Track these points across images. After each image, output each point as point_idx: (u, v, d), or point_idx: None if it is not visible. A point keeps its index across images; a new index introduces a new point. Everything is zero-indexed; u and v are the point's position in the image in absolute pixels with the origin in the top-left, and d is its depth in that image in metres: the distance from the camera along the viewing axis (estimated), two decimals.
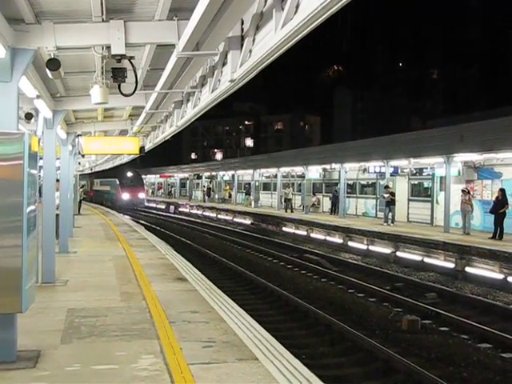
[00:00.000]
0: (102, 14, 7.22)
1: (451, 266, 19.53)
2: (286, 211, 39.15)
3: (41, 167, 11.84)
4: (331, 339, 11.68)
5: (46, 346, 7.25)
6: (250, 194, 50.23)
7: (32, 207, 6.61)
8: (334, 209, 36.25)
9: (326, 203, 38.29)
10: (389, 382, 9.48)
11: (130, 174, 64.31)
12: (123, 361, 6.78)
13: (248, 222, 40.30)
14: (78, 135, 18.94)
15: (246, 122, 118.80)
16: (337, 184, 35.62)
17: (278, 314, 14.01)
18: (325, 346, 11.34)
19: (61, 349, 7.28)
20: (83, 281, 12.29)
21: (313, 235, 30.27)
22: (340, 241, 27.40)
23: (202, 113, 13.26)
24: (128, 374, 6.30)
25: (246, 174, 52.82)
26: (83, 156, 23.96)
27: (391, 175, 30.03)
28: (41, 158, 11.49)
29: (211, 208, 50.90)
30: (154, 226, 36.50)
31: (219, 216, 46.88)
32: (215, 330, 8.11)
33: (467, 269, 18.84)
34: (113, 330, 8.19)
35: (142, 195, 64.57)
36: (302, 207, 40.04)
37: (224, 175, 59.03)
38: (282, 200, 41.66)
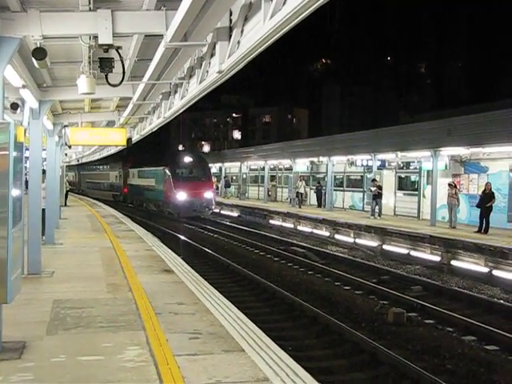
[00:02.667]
0: (90, 3, 7.18)
1: (437, 259, 19.65)
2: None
3: (27, 158, 11.74)
4: (317, 331, 11.73)
5: (31, 338, 7.22)
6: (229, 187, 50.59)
7: (18, 198, 6.56)
8: (320, 202, 36.15)
9: (314, 196, 37.97)
10: (374, 374, 9.53)
11: (189, 159, 40.72)
12: (109, 352, 6.76)
13: (235, 214, 40.26)
14: (65, 126, 18.81)
15: (234, 115, 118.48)
16: (324, 178, 35.67)
17: (264, 306, 14.04)
18: (311, 338, 11.39)
19: (46, 340, 7.26)
20: (69, 272, 12.24)
21: (300, 228, 30.33)
22: (327, 234, 27.47)
23: (189, 104, 13.21)
24: (114, 365, 6.29)
25: (232, 167, 52.32)
26: (70, 147, 23.90)
27: (378, 169, 30.11)
28: (27, 149, 11.40)
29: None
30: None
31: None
32: (201, 322, 8.11)
33: (453, 262, 18.97)
34: (99, 321, 8.16)
35: (209, 194, 39.02)
36: (289, 200, 39.67)
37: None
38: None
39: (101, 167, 63.89)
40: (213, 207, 39.39)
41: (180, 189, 37.64)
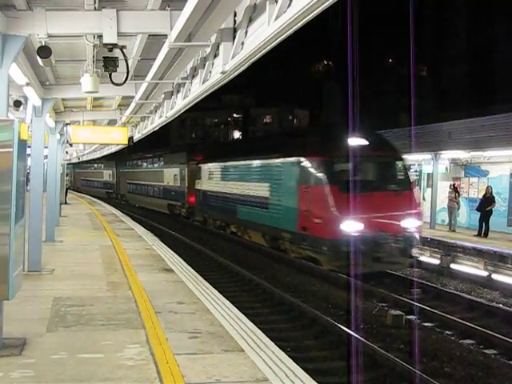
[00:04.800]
0: (95, 3, 7.22)
1: (436, 262, 19.66)
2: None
3: (29, 155, 11.78)
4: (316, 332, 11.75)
5: (31, 334, 7.25)
6: None
7: (20, 195, 6.58)
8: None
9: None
10: (372, 376, 9.56)
11: (367, 144, 18.08)
12: (109, 350, 6.79)
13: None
14: (67, 124, 18.86)
15: (235, 115, 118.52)
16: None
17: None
18: (310, 339, 11.42)
19: (46, 337, 7.29)
20: (69, 270, 12.27)
21: None
22: None
23: (191, 104, 13.24)
24: (113, 363, 6.32)
25: None
26: (71, 145, 23.95)
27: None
28: (29, 147, 11.43)
29: None
30: None
31: None
32: (201, 321, 8.14)
33: (452, 265, 18.98)
34: (99, 319, 8.19)
35: (412, 223, 17.42)
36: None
37: None
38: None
39: (148, 164, 46.29)
40: (416, 252, 17.76)
41: (348, 210, 16.40)
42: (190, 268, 13.00)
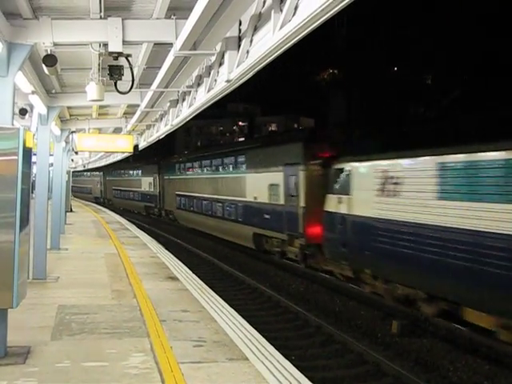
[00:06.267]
0: (100, 11, 7.23)
1: None
2: None
3: (34, 163, 11.81)
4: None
5: (36, 342, 7.25)
6: None
7: (25, 203, 6.59)
8: None
9: None
10: None
11: None
12: (113, 358, 6.78)
13: None
14: (72, 132, 18.90)
15: (240, 123, 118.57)
16: None
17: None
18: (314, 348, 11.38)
19: (51, 345, 7.29)
20: (74, 278, 12.28)
21: None
22: None
23: (197, 112, 13.25)
24: (118, 372, 6.31)
25: None
26: (76, 153, 24.01)
27: None
28: (34, 154, 11.46)
29: None
30: None
31: None
32: (206, 330, 8.12)
33: None
34: (103, 327, 8.19)
35: None
36: None
37: None
38: None
39: None
40: None
41: None
42: (194, 276, 12.99)
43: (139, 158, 41.30)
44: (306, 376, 6.45)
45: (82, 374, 6.24)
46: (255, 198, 22.64)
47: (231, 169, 26.58)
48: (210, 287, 11.78)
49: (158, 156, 40.14)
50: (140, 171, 46.75)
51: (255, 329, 8.42)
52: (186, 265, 15.21)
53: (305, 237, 18.34)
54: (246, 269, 20.32)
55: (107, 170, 56.17)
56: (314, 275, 19.04)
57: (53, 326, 8.20)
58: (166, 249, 19.13)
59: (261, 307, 14.83)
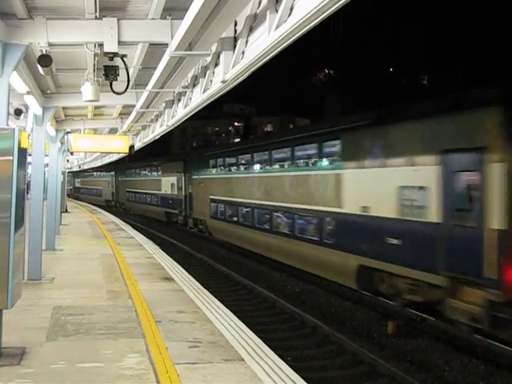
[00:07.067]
0: (96, 12, 7.21)
1: None
2: None
3: (29, 164, 11.78)
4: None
5: (31, 343, 7.22)
6: None
7: (20, 204, 6.57)
8: None
9: None
10: None
11: None
12: (109, 359, 6.76)
13: None
14: (68, 132, 18.86)
15: (236, 124, 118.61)
16: None
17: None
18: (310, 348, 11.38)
19: (46, 346, 7.26)
20: (70, 278, 12.25)
21: None
22: None
23: (192, 113, 13.25)
24: (113, 373, 6.29)
25: None
26: (72, 153, 23.97)
27: None
28: (29, 155, 11.43)
29: None
30: None
31: None
32: (201, 331, 8.11)
33: None
34: (99, 328, 8.17)
35: None
36: None
37: None
38: None
39: None
40: None
41: None
42: (190, 277, 12.98)
43: (160, 153, 33.51)
44: (302, 377, 6.45)
45: (77, 374, 6.22)
46: (364, 208, 14.59)
47: (311, 163, 18.43)
48: (206, 288, 11.77)
49: (184, 150, 32.90)
50: (160, 170, 39.28)
51: (251, 329, 8.42)
52: (182, 265, 15.19)
53: (501, 287, 10.37)
54: (242, 269, 20.30)
55: (119, 167, 49.60)
56: (309, 276, 19.00)
57: (48, 326, 8.18)
58: (162, 249, 19.09)
59: (256, 308, 14.82)
